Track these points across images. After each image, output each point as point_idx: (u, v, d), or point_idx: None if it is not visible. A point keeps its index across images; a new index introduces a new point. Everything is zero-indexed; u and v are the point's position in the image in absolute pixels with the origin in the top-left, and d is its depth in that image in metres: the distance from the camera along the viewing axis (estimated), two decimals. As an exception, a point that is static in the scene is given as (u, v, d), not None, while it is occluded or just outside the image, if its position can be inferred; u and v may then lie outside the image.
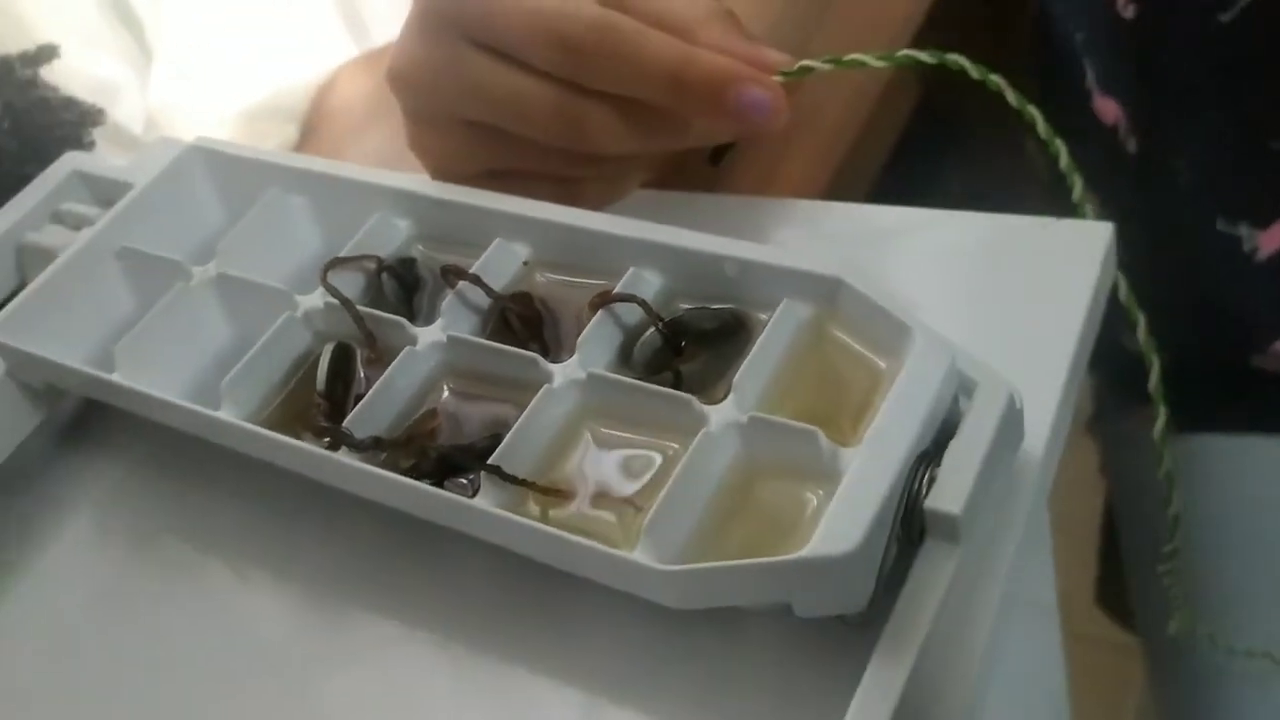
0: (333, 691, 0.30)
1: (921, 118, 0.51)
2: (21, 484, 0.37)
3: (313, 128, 0.70)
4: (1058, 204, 0.33)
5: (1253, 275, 0.59)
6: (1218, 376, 0.62)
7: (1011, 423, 0.27)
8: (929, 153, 0.59)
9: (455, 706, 0.29)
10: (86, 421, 0.39)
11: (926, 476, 0.25)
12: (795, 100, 0.33)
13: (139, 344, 0.34)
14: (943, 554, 0.25)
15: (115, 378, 0.33)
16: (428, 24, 0.36)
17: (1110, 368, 0.57)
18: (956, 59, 0.32)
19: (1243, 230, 0.58)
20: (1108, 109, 0.60)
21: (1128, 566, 0.65)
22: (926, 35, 0.65)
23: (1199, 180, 0.55)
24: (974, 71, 0.32)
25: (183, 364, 0.34)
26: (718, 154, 0.37)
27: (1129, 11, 0.52)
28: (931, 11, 0.60)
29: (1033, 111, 0.32)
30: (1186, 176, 0.56)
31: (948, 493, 0.25)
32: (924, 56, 0.32)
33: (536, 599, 0.29)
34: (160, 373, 0.33)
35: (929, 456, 0.26)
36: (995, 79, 0.31)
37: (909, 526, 0.25)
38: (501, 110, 0.35)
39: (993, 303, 0.33)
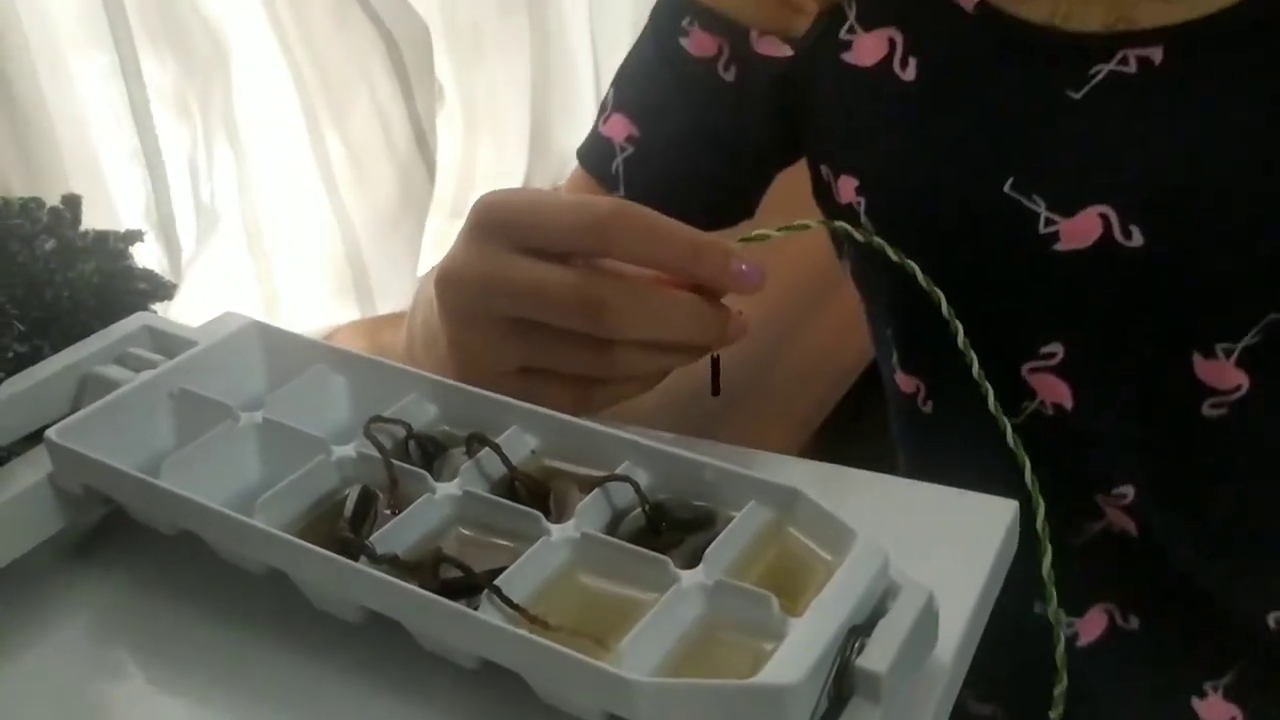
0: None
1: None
2: (20, 584, 0.40)
3: None
4: None
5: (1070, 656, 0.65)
6: None
7: (929, 619, 0.32)
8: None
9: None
10: (97, 536, 0.42)
11: (858, 644, 0.30)
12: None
13: (184, 464, 0.38)
14: (866, 711, 0.30)
15: (161, 482, 0.37)
16: (476, 234, 0.44)
17: None
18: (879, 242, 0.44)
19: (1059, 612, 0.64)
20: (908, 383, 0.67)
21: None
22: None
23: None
24: (859, 235, 0.44)
25: (218, 490, 0.39)
26: (716, 385, 0.45)
27: (926, 407, 0.61)
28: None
29: (911, 265, 0.42)
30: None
31: (875, 656, 0.30)
32: (855, 234, 0.44)
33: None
34: (198, 491, 0.38)
35: (861, 629, 0.31)
36: (878, 240, 0.43)
37: (840, 682, 0.30)
38: (530, 298, 0.42)
39: (909, 556, 0.39)
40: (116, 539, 0.42)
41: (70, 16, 0.73)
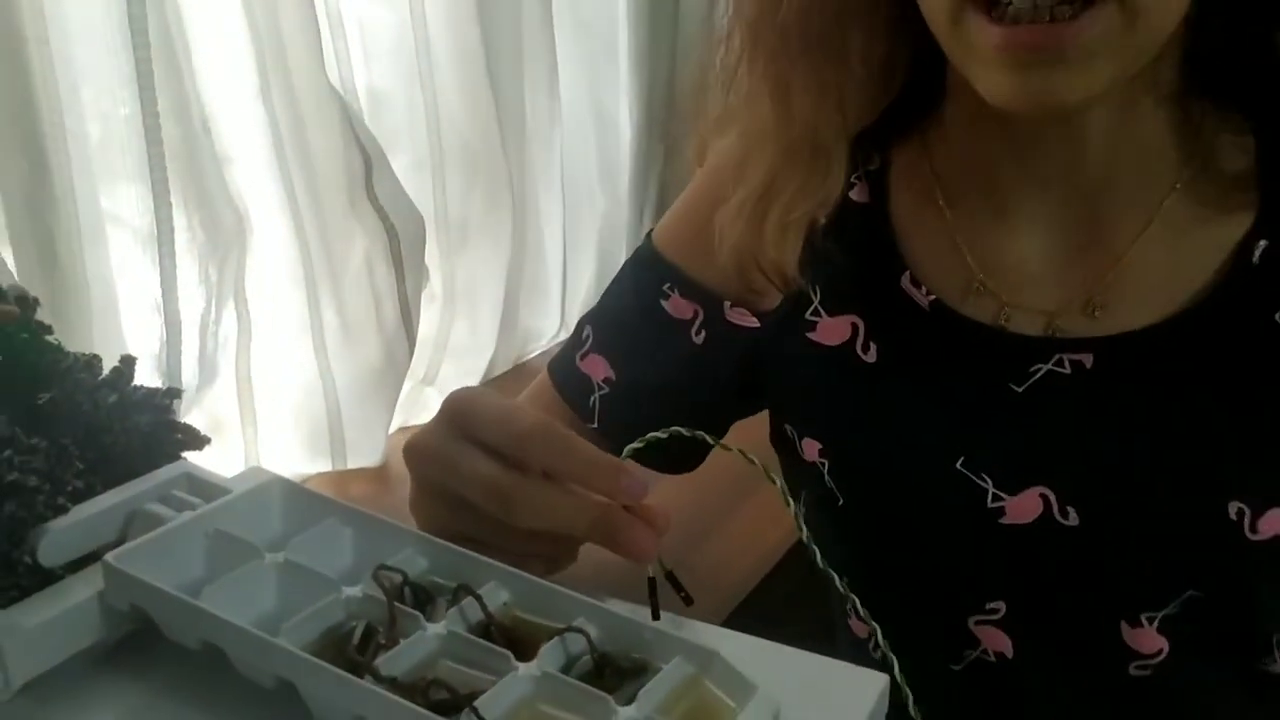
0: None
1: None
2: (60, 685, 0.48)
3: None
4: None
5: None
6: None
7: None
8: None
9: None
10: (123, 649, 0.50)
11: (751, 773, 0.40)
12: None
13: (219, 592, 0.47)
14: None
15: (205, 604, 0.46)
16: (443, 421, 0.54)
17: None
18: (809, 538, 0.51)
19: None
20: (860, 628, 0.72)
21: None
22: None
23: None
24: (791, 507, 0.50)
25: (244, 614, 0.47)
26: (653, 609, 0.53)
27: (876, 654, 0.67)
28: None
29: (772, 476, 0.49)
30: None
31: (763, 782, 0.39)
32: (739, 452, 0.52)
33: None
34: (231, 614, 0.46)
35: (755, 762, 0.40)
36: (807, 535, 0.50)
37: (735, 801, 0.39)
38: (466, 483, 0.51)
39: (797, 711, 0.48)
40: (144, 651, 0.50)
41: (119, 188, 0.83)
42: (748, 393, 0.71)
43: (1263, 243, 0.59)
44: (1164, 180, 0.61)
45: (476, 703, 0.41)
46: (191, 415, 0.93)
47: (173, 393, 0.61)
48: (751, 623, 0.53)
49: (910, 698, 0.47)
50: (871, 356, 0.64)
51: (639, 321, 0.72)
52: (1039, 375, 0.61)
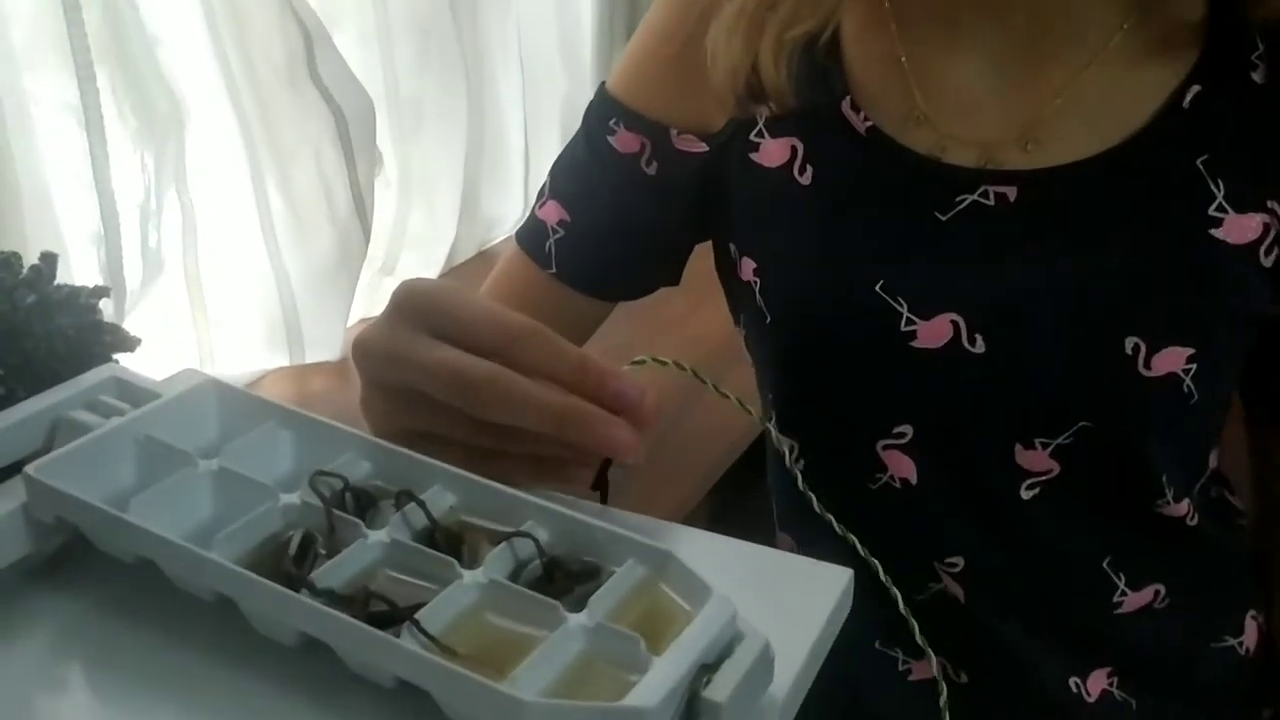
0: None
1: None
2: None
3: None
4: None
5: (906, 691, 0.72)
6: None
7: (765, 662, 0.40)
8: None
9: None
10: (59, 562, 0.48)
11: (706, 679, 0.38)
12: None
13: (150, 503, 0.45)
14: (708, 735, 0.37)
15: (130, 517, 0.43)
16: (393, 314, 0.51)
17: None
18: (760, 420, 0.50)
19: (898, 653, 0.73)
20: (784, 541, 0.77)
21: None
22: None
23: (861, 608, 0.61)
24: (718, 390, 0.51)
25: (176, 526, 0.45)
26: (603, 494, 0.52)
27: (799, 465, 0.70)
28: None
29: (749, 411, 0.50)
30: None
31: (718, 688, 0.38)
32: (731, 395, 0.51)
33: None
34: (161, 526, 0.44)
35: (709, 667, 0.38)
36: (758, 419, 0.51)
37: (690, 709, 0.37)
38: (421, 374, 0.49)
39: (756, 611, 0.46)
40: (78, 565, 0.48)
41: (42, 74, 0.79)
42: (698, 220, 0.73)
43: (1195, 88, 0.61)
44: (1113, 19, 0.62)
45: (419, 615, 0.39)
46: (138, 313, 0.90)
47: (99, 291, 0.57)
48: (710, 522, 0.51)
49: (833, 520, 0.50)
50: (807, 179, 0.66)
51: (589, 161, 0.73)
52: (963, 205, 0.62)
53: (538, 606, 0.40)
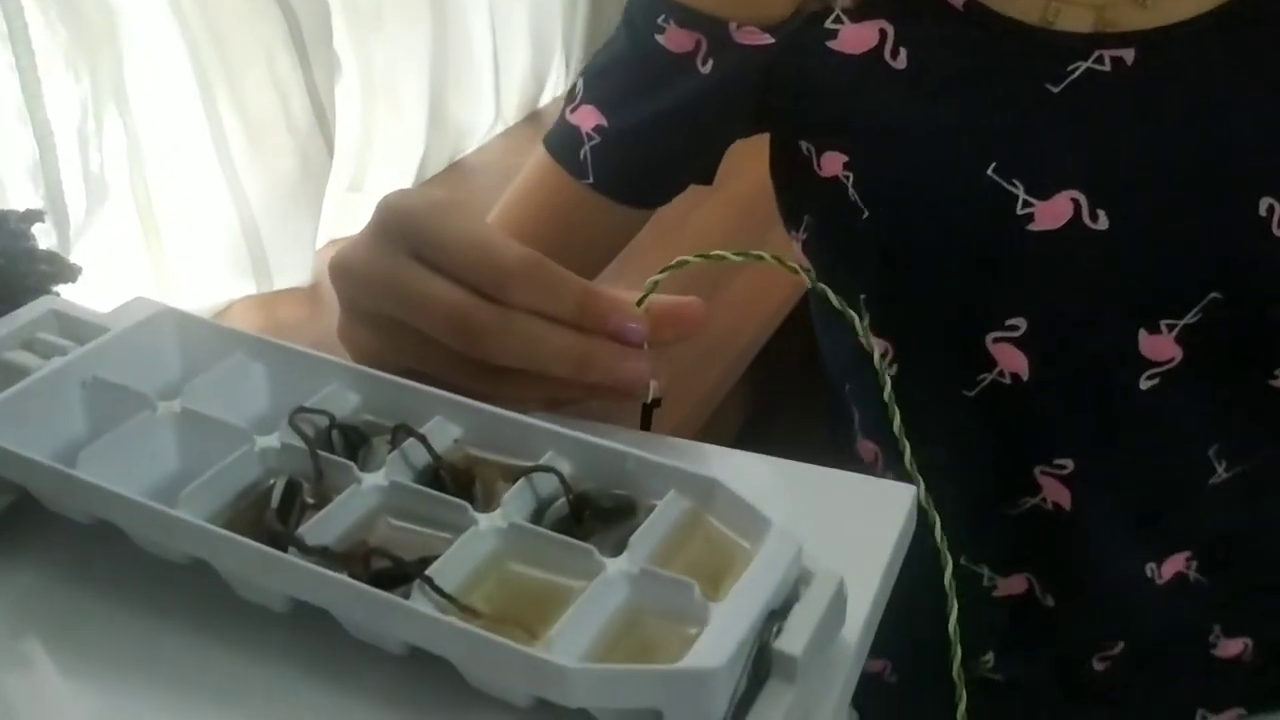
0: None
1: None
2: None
3: None
4: None
5: (991, 608, 0.70)
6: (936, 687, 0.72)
7: (839, 603, 0.34)
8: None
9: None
10: (5, 529, 0.42)
11: (775, 629, 0.32)
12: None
13: (102, 455, 0.38)
14: (781, 691, 0.32)
15: (79, 473, 0.37)
16: (378, 232, 0.45)
17: None
18: (822, 288, 0.45)
19: (984, 569, 0.70)
20: (866, 449, 0.73)
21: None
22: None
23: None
24: (788, 268, 0.45)
25: (137, 480, 0.38)
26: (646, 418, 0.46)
27: (892, 370, 0.65)
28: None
29: (852, 314, 0.44)
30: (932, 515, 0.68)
31: (791, 639, 0.32)
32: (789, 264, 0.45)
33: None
34: (115, 482, 0.37)
35: (778, 614, 0.33)
36: (821, 286, 0.45)
37: (758, 664, 0.32)
38: (414, 307, 0.43)
39: (818, 540, 0.41)
40: (28, 527, 0.41)
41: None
42: (755, 118, 0.68)
43: None
44: None
45: (430, 570, 0.33)
46: (85, 243, 0.82)
47: (31, 216, 0.50)
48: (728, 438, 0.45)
49: (908, 449, 0.44)
50: (901, 63, 0.61)
51: (634, 63, 0.67)
52: (1077, 74, 0.59)
53: (570, 552, 0.35)
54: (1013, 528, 0.67)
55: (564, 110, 0.69)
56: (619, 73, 0.67)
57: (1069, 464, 0.64)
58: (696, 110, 0.65)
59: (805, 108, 0.64)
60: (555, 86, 1.36)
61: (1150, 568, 0.66)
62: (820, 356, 0.78)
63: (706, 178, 0.71)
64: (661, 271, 0.45)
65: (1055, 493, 0.65)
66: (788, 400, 0.91)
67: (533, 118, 1.32)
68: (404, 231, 0.44)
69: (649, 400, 0.45)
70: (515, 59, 1.26)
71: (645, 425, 0.45)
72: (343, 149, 1.00)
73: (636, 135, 0.66)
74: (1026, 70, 0.59)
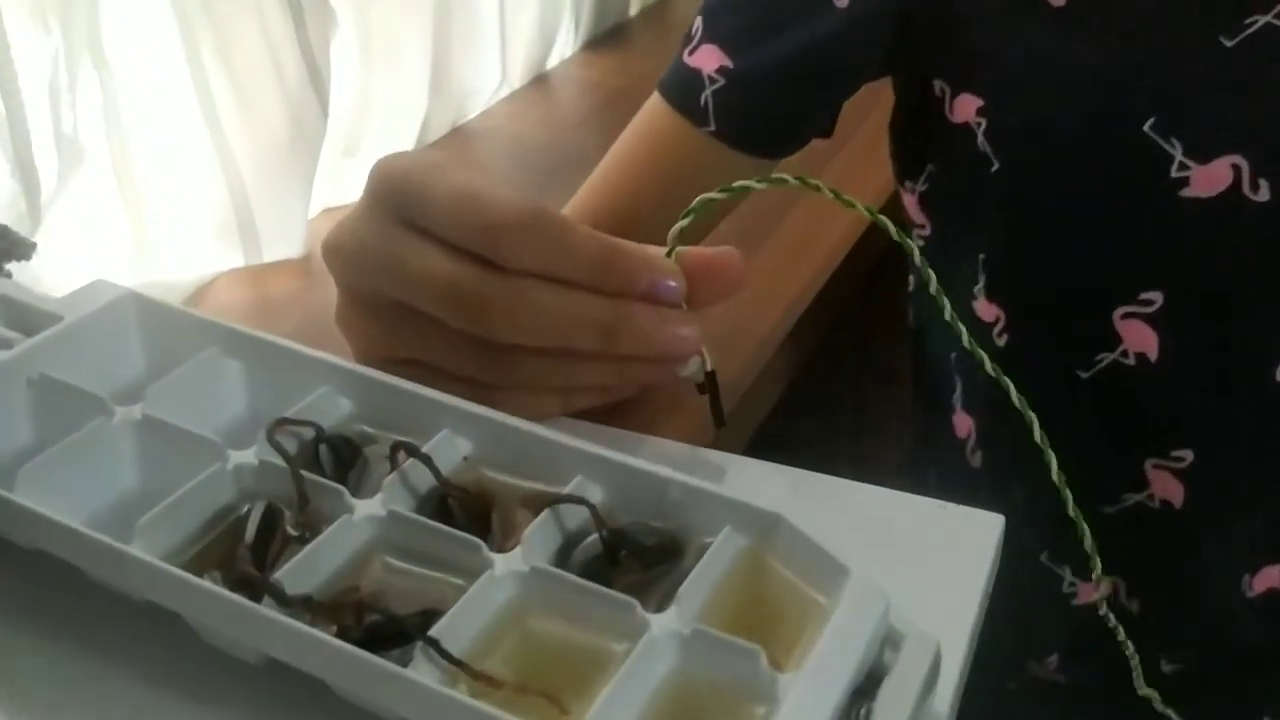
0: None
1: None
2: None
3: None
4: None
5: (1067, 613, 0.65)
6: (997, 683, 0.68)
7: (934, 674, 0.28)
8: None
9: None
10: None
11: (864, 710, 0.26)
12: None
13: (45, 472, 0.32)
14: (868, 787, 0.26)
15: (16, 497, 0.31)
16: (372, 204, 0.39)
17: None
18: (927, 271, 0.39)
19: (1065, 571, 0.64)
20: (962, 423, 0.67)
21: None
22: (812, 314, 0.73)
23: (1031, 514, 0.62)
24: (844, 202, 0.38)
25: (86, 501, 0.32)
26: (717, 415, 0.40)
27: (1001, 340, 0.59)
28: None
29: (910, 244, 0.38)
30: (1020, 507, 0.63)
31: (882, 723, 0.26)
32: (821, 185, 0.39)
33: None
34: (63, 504, 0.31)
35: (864, 692, 0.27)
36: (884, 220, 0.38)
37: (840, 755, 0.26)
38: (416, 287, 0.37)
39: (891, 575, 0.35)
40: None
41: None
42: (889, 56, 0.62)
43: None
44: None
45: (436, 629, 0.27)
46: (57, 211, 0.76)
47: (-22, 182, 0.43)
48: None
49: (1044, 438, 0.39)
50: (1060, 0, 0.55)
51: None
52: (1255, 28, 0.52)
53: (606, 606, 0.28)
54: (1106, 526, 0.61)
55: (679, 53, 0.63)
56: (745, 8, 0.61)
57: (1188, 456, 0.58)
58: (827, 49, 0.59)
59: (941, 44, 0.59)
60: (563, 48, 1.30)
61: (1245, 579, 0.61)
62: (915, 319, 0.72)
63: (829, 128, 0.65)
64: (684, 216, 0.38)
65: (1166, 488, 0.60)
66: (813, 394, 0.85)
67: (539, 80, 1.25)
68: (395, 198, 0.38)
69: (700, 377, 0.38)
70: (522, 18, 1.19)
71: (717, 415, 0.39)
72: (338, 111, 0.94)
73: (765, 79, 0.60)
74: (1200, 19, 0.53)
